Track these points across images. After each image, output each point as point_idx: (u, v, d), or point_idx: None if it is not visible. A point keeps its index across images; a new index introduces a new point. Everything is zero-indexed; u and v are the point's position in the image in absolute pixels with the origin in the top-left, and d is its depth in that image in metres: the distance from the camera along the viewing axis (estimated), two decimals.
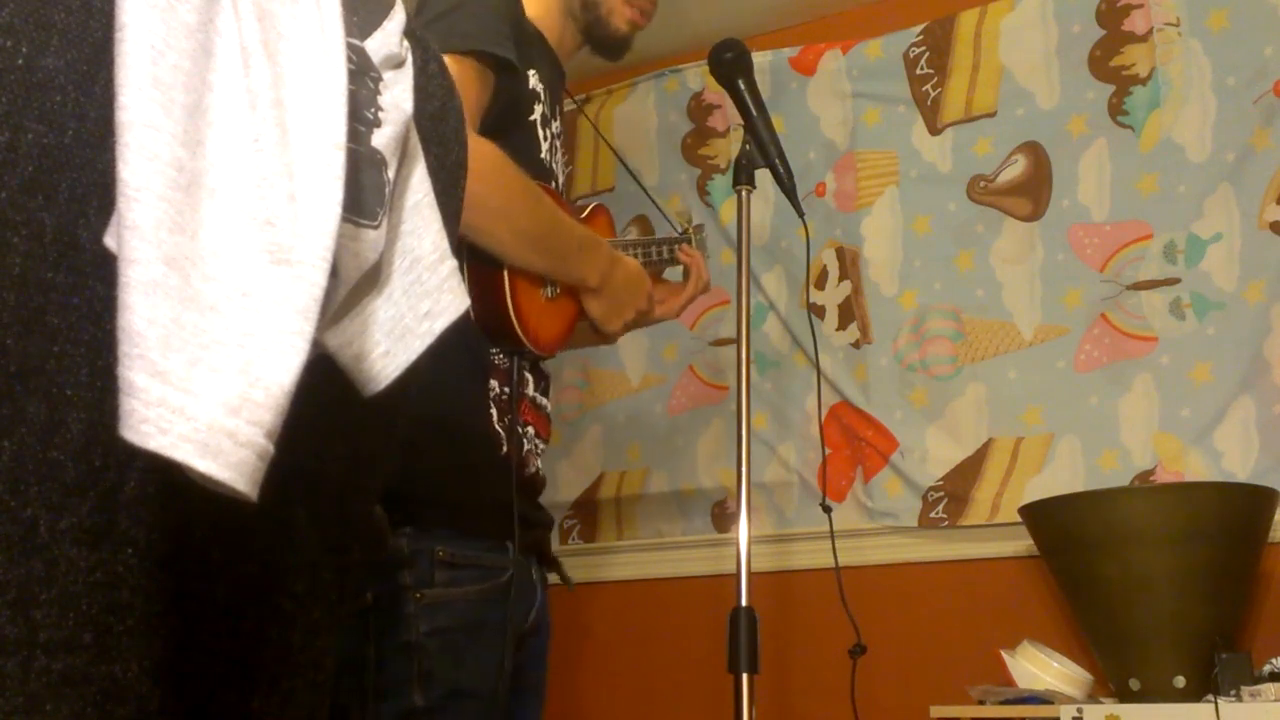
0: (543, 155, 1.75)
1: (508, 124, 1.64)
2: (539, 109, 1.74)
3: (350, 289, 0.64)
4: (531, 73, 1.73)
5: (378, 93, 0.68)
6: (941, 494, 2.91)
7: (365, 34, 0.70)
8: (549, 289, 1.69)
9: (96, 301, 0.58)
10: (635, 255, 1.89)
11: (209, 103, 0.58)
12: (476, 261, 1.59)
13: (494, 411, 1.63)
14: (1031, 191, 2.96)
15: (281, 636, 0.72)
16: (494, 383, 1.64)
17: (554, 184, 1.79)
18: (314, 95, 0.62)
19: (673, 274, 2.10)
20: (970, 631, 2.81)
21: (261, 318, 0.56)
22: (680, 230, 2.08)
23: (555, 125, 1.82)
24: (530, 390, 1.71)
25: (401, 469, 1.53)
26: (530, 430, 1.70)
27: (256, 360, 0.54)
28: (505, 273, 1.60)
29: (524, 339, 1.61)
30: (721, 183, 3.34)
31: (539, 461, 1.73)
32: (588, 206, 1.86)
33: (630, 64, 3.46)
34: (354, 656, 1.53)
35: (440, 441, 1.57)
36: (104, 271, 0.57)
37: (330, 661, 0.78)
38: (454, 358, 1.58)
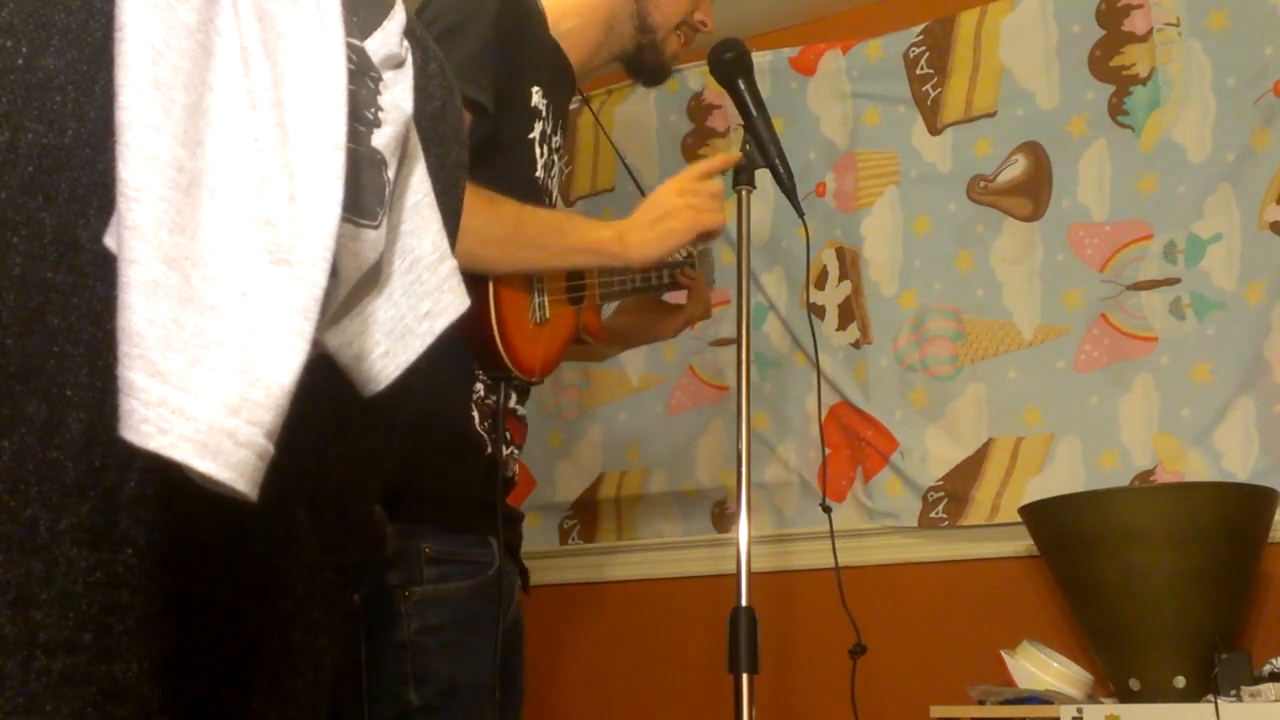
0: (537, 173, 1.74)
1: (493, 148, 1.63)
2: (539, 126, 1.73)
3: (350, 289, 0.64)
4: (535, 89, 1.72)
5: (378, 93, 0.68)
6: (941, 494, 2.91)
7: (365, 34, 0.70)
8: (536, 314, 1.68)
9: (96, 301, 0.58)
10: (634, 279, 1.88)
11: (209, 103, 0.58)
12: None
13: (476, 415, 1.63)
14: (1031, 191, 2.96)
15: (281, 636, 0.72)
16: (479, 386, 1.64)
17: (547, 201, 1.78)
18: (314, 95, 0.62)
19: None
20: (970, 631, 2.81)
21: (261, 318, 0.56)
22: (684, 254, 2.06)
23: (556, 140, 1.81)
24: (513, 403, 1.71)
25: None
26: (508, 435, 1.70)
27: (256, 360, 0.54)
28: (490, 300, 1.60)
29: (510, 365, 1.62)
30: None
31: (515, 466, 1.74)
32: None
33: None
34: (346, 659, 1.52)
35: (422, 438, 1.57)
36: (104, 271, 0.57)
37: (330, 661, 0.78)
38: (440, 358, 1.58)
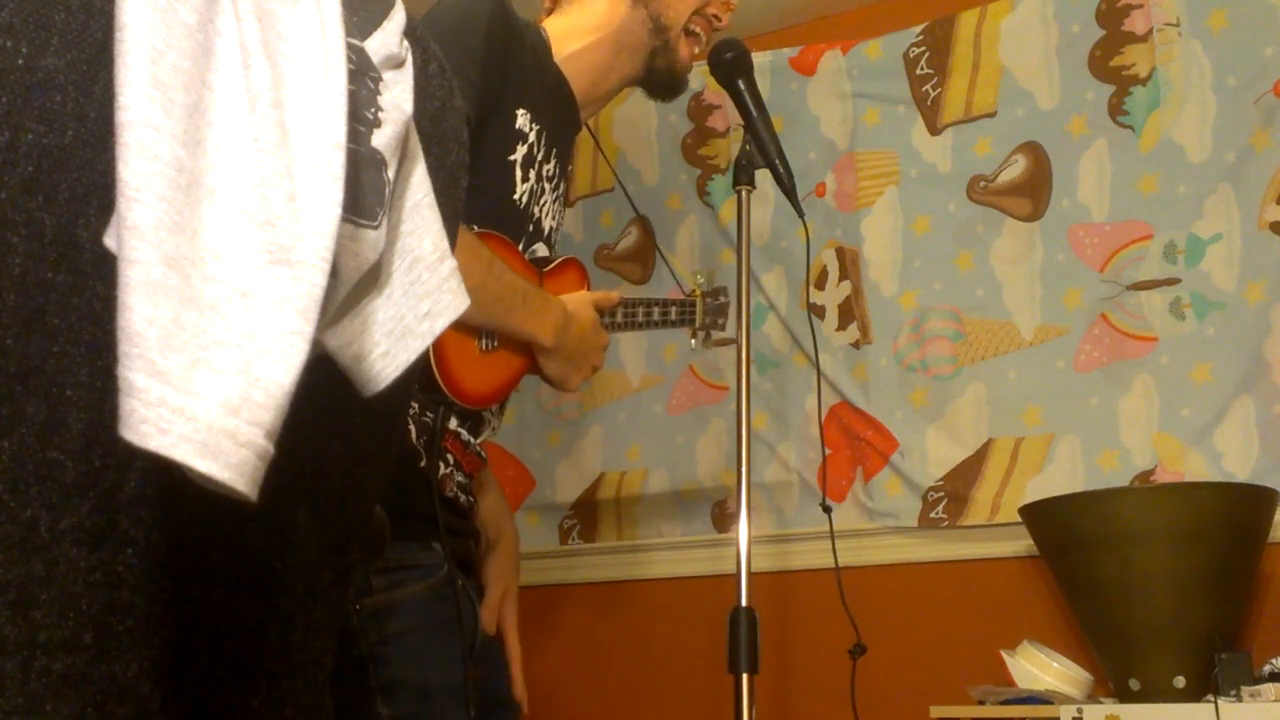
0: (516, 197, 1.71)
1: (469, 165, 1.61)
2: (521, 149, 1.70)
3: (350, 289, 0.64)
4: (520, 112, 1.69)
5: (378, 93, 0.68)
6: (941, 494, 2.91)
7: (365, 34, 0.70)
8: (484, 341, 1.64)
9: (96, 301, 0.58)
10: (635, 313, 1.85)
11: (209, 103, 0.58)
12: None
13: (412, 428, 1.59)
14: (1031, 191, 2.96)
15: (281, 636, 0.72)
16: (414, 404, 1.59)
17: (530, 227, 1.75)
18: (314, 95, 0.62)
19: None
20: (970, 631, 2.81)
21: (262, 318, 0.56)
22: (688, 291, 2.01)
23: (549, 168, 1.78)
24: (453, 425, 1.66)
25: None
26: (451, 457, 1.65)
27: (257, 360, 0.54)
28: None
29: (446, 390, 1.57)
30: (721, 183, 3.34)
31: (459, 490, 1.68)
32: (557, 259, 1.80)
33: None
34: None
35: None
36: (104, 271, 0.57)
37: (330, 661, 0.78)
38: None
